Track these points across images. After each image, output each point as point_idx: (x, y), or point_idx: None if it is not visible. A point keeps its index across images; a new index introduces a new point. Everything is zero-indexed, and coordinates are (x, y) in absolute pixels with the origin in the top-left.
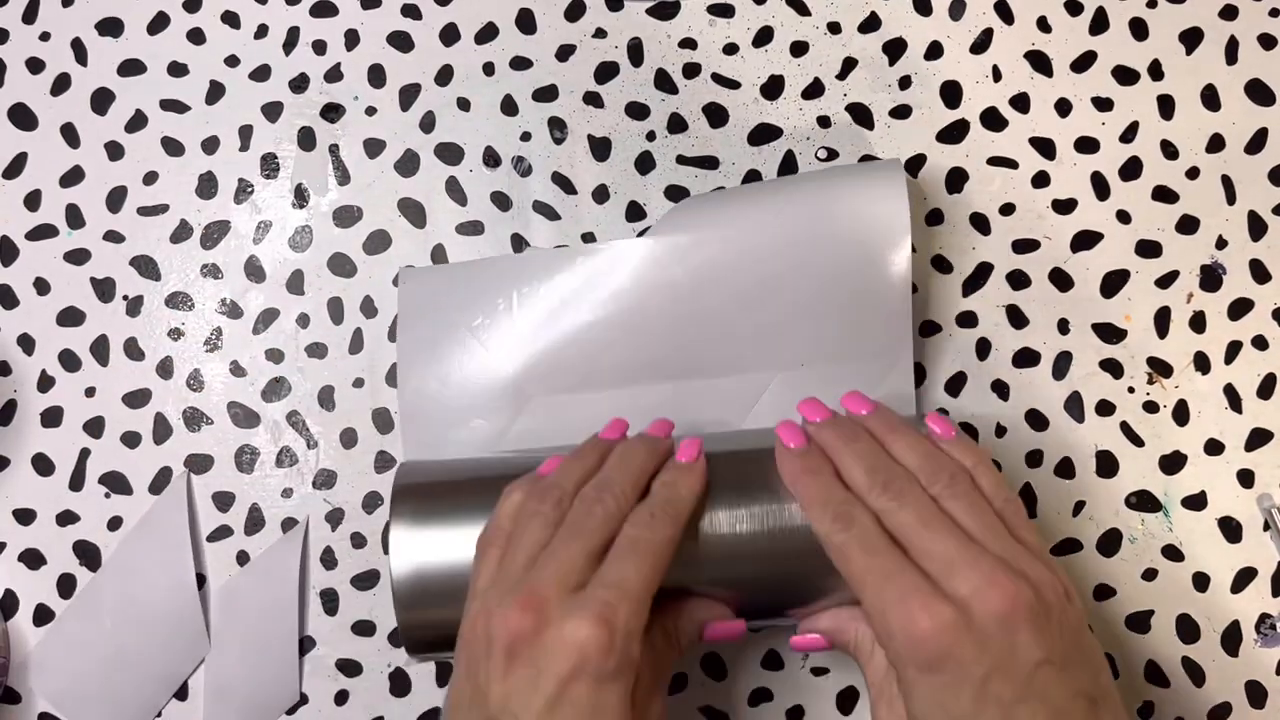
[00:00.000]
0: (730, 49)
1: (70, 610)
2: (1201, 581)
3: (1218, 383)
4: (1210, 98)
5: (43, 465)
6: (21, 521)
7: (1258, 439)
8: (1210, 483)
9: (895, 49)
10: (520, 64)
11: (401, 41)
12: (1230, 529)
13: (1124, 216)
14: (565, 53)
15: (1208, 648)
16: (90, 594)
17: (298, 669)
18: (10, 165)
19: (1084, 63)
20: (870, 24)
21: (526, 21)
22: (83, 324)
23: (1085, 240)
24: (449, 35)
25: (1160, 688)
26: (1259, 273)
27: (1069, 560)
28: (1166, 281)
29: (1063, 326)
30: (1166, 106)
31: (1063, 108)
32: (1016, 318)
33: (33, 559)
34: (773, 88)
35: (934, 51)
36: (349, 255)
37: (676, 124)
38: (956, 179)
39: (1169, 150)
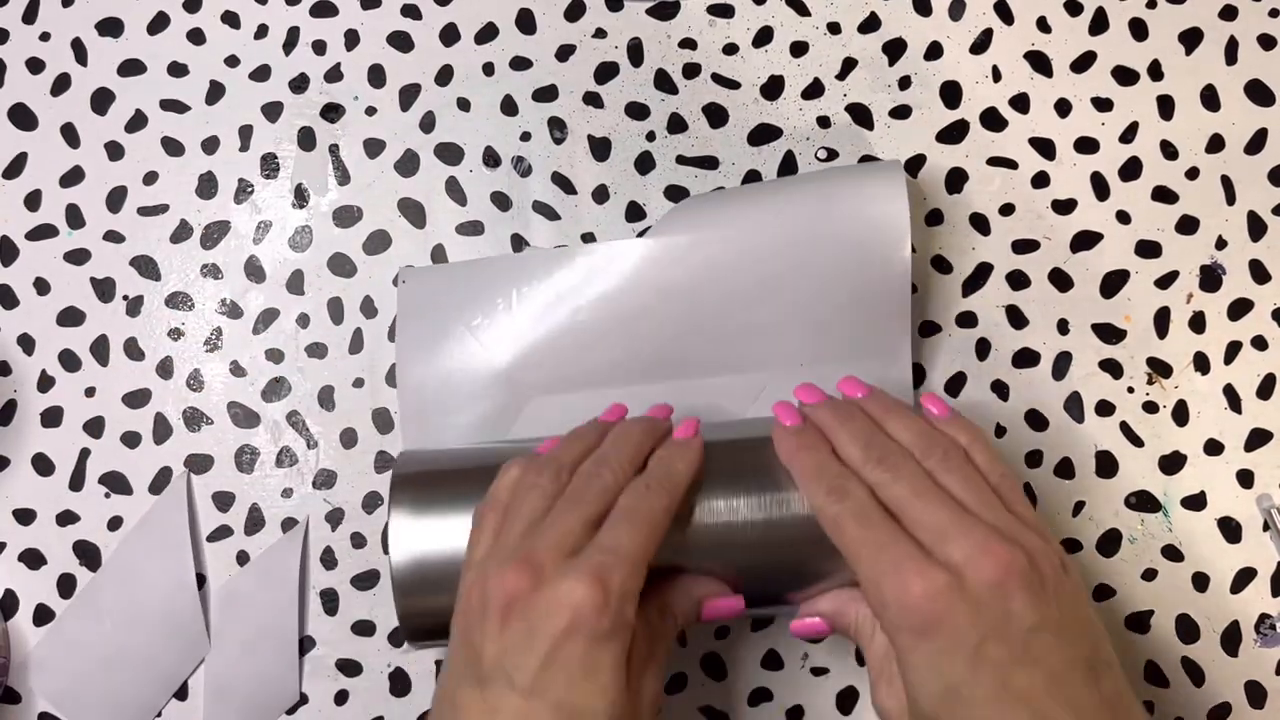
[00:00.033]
0: (730, 49)
1: (70, 610)
2: (1201, 582)
3: (1217, 383)
4: (1210, 98)
5: (43, 465)
6: (21, 521)
7: (1257, 439)
8: (1210, 483)
9: (895, 49)
10: (520, 64)
11: (401, 41)
12: (1230, 529)
13: (1124, 217)
14: (565, 53)
15: (1207, 648)
16: (90, 594)
17: (298, 669)
18: (10, 165)
19: (1084, 63)
20: (870, 24)
21: (526, 22)
22: (83, 324)
23: (1085, 240)
24: (449, 35)
25: (1160, 688)
26: (1259, 273)
27: None
28: (1166, 282)
29: (1062, 327)
30: (1166, 107)
31: (1062, 108)
32: (1016, 318)
33: (33, 559)
34: (773, 88)
35: (934, 52)
36: (349, 255)
37: (676, 124)
38: (956, 179)
39: (1169, 150)
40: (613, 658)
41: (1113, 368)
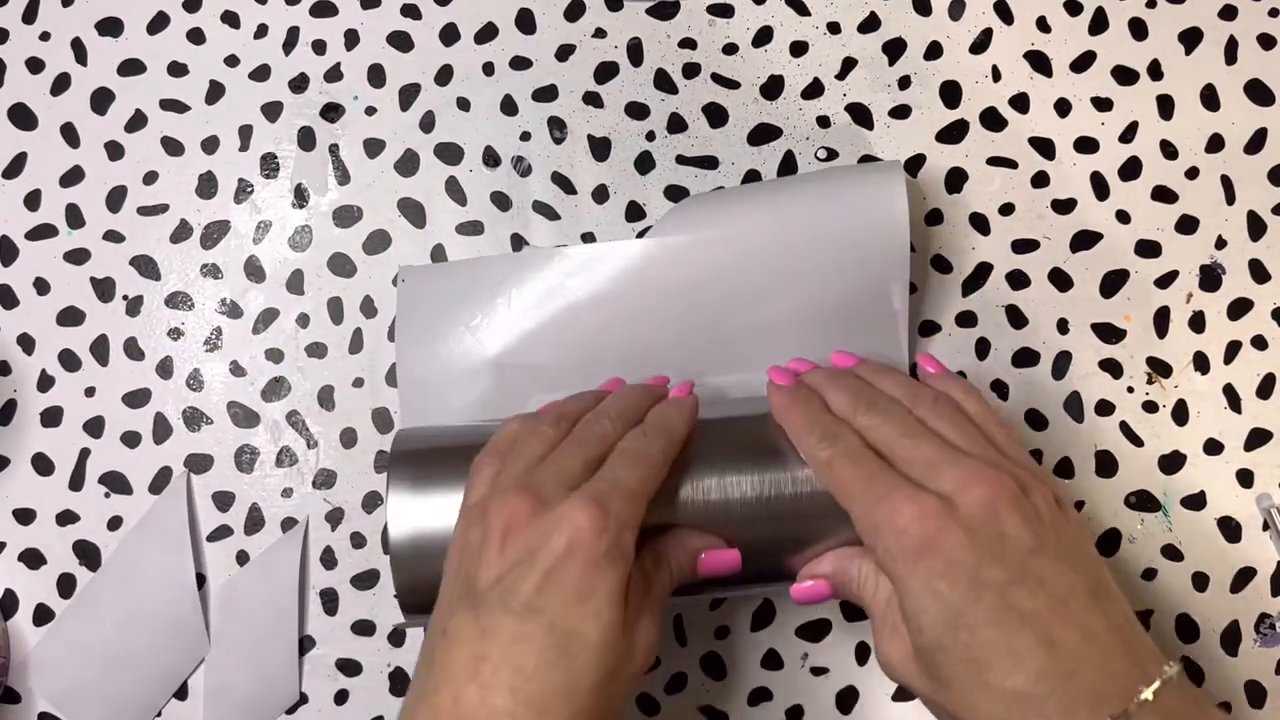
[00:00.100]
0: (730, 49)
1: (70, 610)
2: (1201, 581)
3: (1217, 383)
4: (1210, 98)
5: (43, 465)
6: (21, 521)
7: (1257, 439)
8: (1209, 483)
9: (895, 49)
10: (520, 64)
11: (401, 41)
12: (1229, 529)
13: (1123, 216)
14: (565, 53)
15: (1207, 647)
16: (90, 594)
17: (297, 669)
18: (10, 165)
19: (1083, 63)
20: (870, 24)
21: (526, 21)
22: (83, 324)
23: (1085, 240)
24: (449, 35)
25: None
26: (1258, 273)
27: None
28: (1166, 281)
29: (1062, 326)
30: (1166, 106)
31: (1062, 108)
32: (1016, 318)
33: (33, 559)
34: (772, 88)
35: (933, 51)
36: (349, 255)
37: (676, 124)
38: (956, 179)
39: (1168, 150)
40: (609, 584)
41: (1112, 367)
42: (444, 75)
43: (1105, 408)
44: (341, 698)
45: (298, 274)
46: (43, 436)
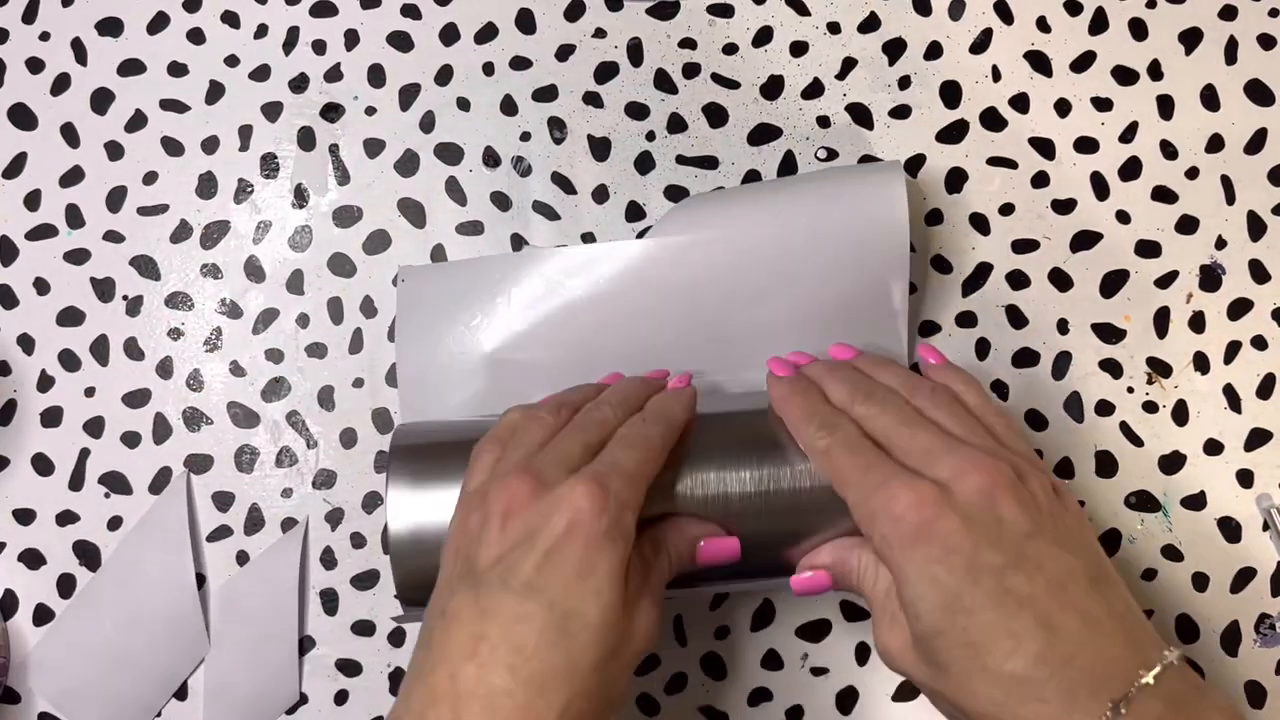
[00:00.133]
0: (730, 49)
1: (70, 610)
2: (1201, 581)
3: (1217, 383)
4: (1210, 98)
5: (42, 465)
6: (21, 521)
7: (1257, 439)
8: (1209, 483)
9: (895, 49)
10: (520, 64)
11: (401, 41)
12: (1229, 529)
13: (1123, 217)
14: (565, 53)
15: (1207, 648)
16: (90, 594)
17: (297, 669)
18: (10, 165)
19: (1083, 63)
20: (870, 24)
21: (526, 21)
22: (82, 324)
23: (1085, 240)
24: (449, 35)
25: None
26: (1258, 273)
27: None
28: (1166, 282)
29: (1062, 327)
30: (1166, 107)
31: (1062, 108)
32: (1016, 318)
33: (32, 559)
34: (772, 88)
35: (933, 51)
36: (349, 255)
37: (676, 124)
38: (956, 179)
39: (1168, 150)
40: (609, 563)
41: (1112, 367)
42: (444, 75)
43: (1105, 408)
44: (341, 698)
45: (298, 274)
46: (43, 437)
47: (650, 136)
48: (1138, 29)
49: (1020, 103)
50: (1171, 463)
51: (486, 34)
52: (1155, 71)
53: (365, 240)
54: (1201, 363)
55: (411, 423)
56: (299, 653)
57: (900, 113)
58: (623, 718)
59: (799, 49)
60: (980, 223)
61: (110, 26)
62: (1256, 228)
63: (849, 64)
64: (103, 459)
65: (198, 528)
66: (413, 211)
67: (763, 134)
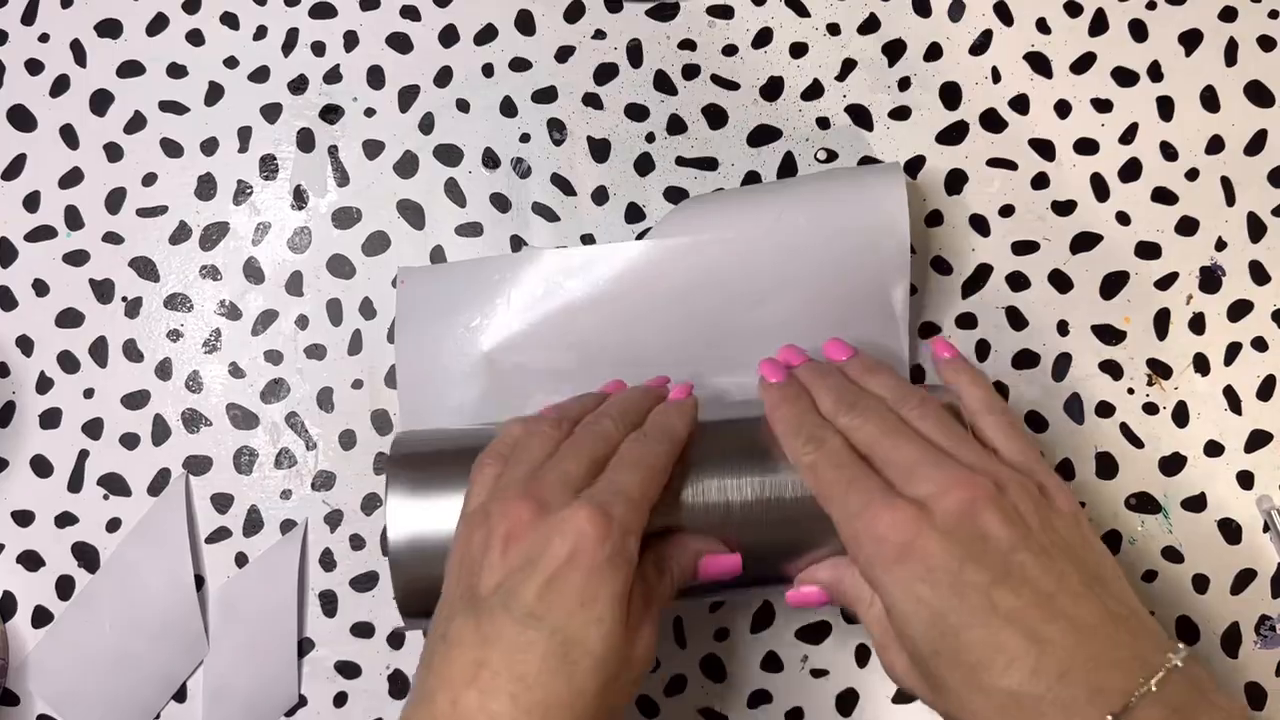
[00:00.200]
0: (729, 50)
1: (69, 612)
2: (1201, 583)
3: (1217, 384)
4: (1209, 99)
5: (41, 467)
6: (20, 523)
7: (1257, 440)
8: (1210, 484)
9: (894, 50)
10: (519, 65)
11: (400, 43)
12: (1230, 530)
13: (1123, 218)
14: (564, 54)
15: (1207, 649)
16: (89, 596)
17: (297, 671)
18: (9, 166)
19: (1083, 64)
20: (870, 25)
21: (526, 23)
22: (82, 325)
23: (1085, 242)
24: (448, 36)
25: None
26: (1258, 274)
27: None
28: (1166, 283)
29: (1062, 328)
30: (1166, 108)
31: (1062, 109)
32: (1016, 319)
33: (31, 561)
34: (772, 89)
35: (933, 53)
36: (348, 257)
37: (676, 125)
38: (956, 180)
39: (1168, 152)
40: (611, 591)
41: (1113, 369)
42: (443, 77)
43: (1105, 409)
44: (341, 700)
45: (297, 275)
46: (41, 438)
47: (650, 138)
48: (1138, 30)
49: (1020, 104)
50: (1172, 464)
51: (486, 35)
52: (1155, 73)
53: (364, 242)
54: (1202, 364)
55: (411, 430)
56: (298, 654)
57: (900, 114)
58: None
59: (799, 50)
60: (980, 224)
61: (109, 28)
62: (1256, 229)
63: (849, 65)
64: (102, 460)
65: (197, 529)
66: (412, 213)
67: (762, 135)
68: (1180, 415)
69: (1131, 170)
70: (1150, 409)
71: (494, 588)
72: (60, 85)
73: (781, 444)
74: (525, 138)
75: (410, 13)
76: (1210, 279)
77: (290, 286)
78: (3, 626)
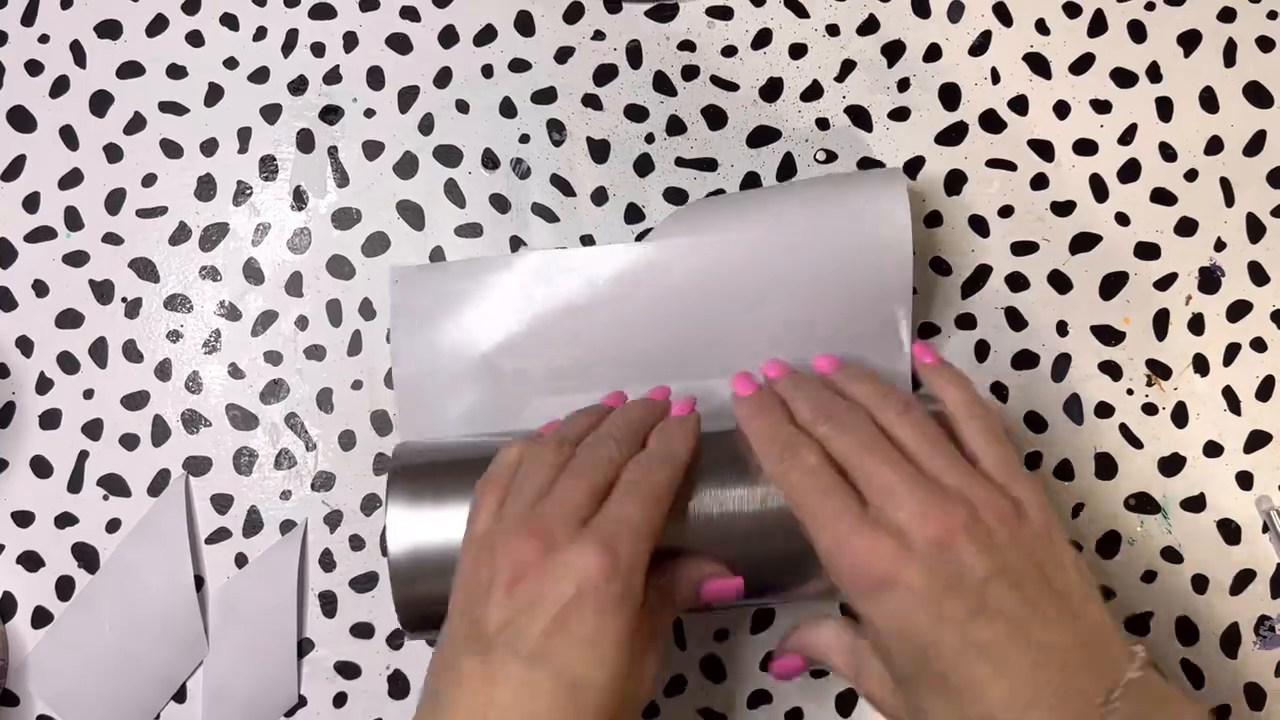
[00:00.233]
0: (729, 51)
1: (69, 613)
2: (1200, 583)
3: (1216, 385)
4: (1208, 100)
5: (41, 467)
6: (20, 524)
7: (1256, 441)
8: (1209, 485)
9: (894, 51)
10: (519, 66)
11: (400, 44)
12: (1229, 531)
13: (1123, 219)
14: (564, 55)
15: (1207, 650)
16: (89, 596)
17: (296, 671)
18: (9, 167)
19: (1082, 65)
20: (869, 26)
21: (525, 24)
22: (81, 326)
23: (1084, 242)
24: (448, 37)
25: None
26: (1257, 275)
27: None
28: (1165, 284)
29: (1061, 329)
30: (1165, 109)
31: (1061, 110)
32: (1015, 320)
33: (31, 561)
34: (771, 90)
35: (933, 54)
36: (347, 257)
37: (675, 126)
38: (955, 181)
39: (1167, 152)
40: (617, 630)
41: (1112, 369)
42: (443, 77)
43: (1105, 410)
44: (340, 700)
45: (296, 276)
46: (41, 439)
47: (649, 138)
48: (1137, 31)
49: (1019, 105)
50: (1171, 465)
51: (485, 36)
52: (1154, 74)
53: (364, 242)
54: (1201, 365)
55: (411, 442)
56: (298, 655)
57: (899, 115)
58: None
59: (798, 51)
60: (979, 225)
61: (109, 29)
62: (1255, 230)
63: (848, 66)
64: (101, 461)
65: (196, 530)
66: (412, 214)
67: (762, 136)
68: (1179, 416)
69: (1131, 171)
70: (1149, 409)
71: (500, 626)
72: (60, 86)
73: (757, 456)
74: (525, 138)
75: (410, 14)
76: (1209, 279)
77: (290, 287)
78: (2, 627)
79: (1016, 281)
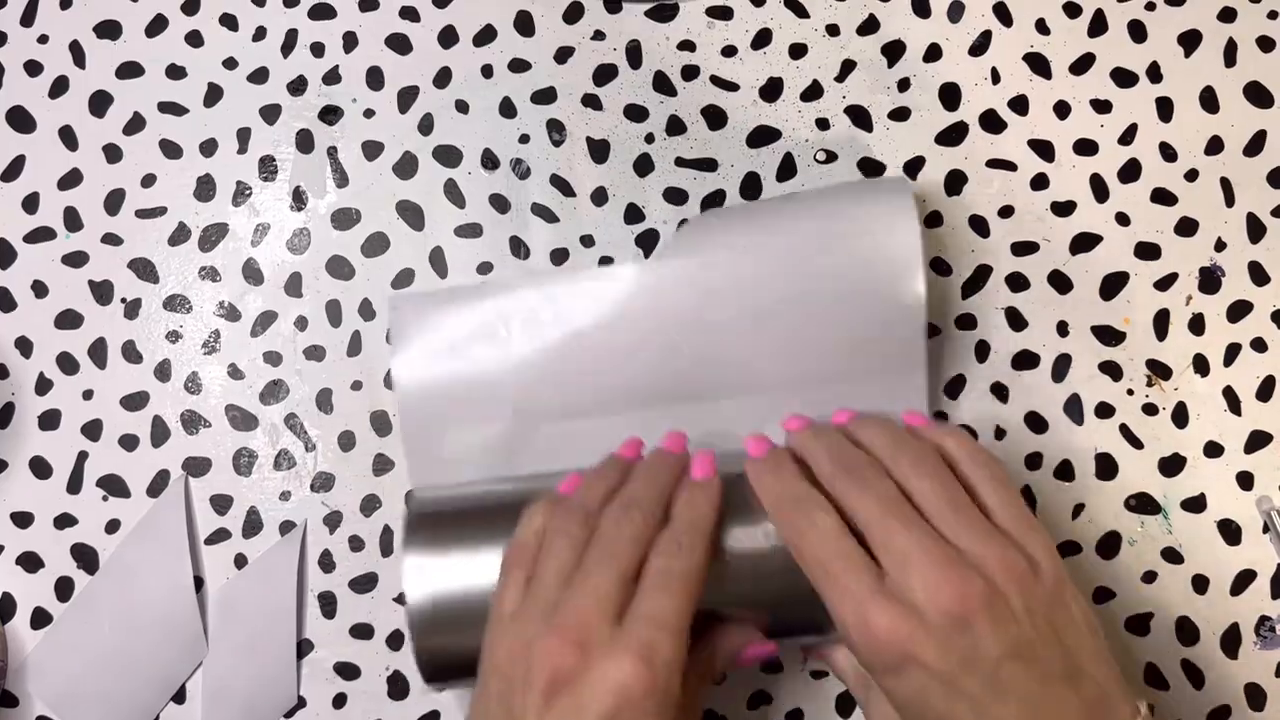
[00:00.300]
0: (729, 51)
1: (68, 614)
2: (1201, 584)
3: (1217, 385)
4: (1209, 100)
5: (40, 468)
6: (19, 524)
7: (1257, 441)
8: (1209, 485)
9: (894, 51)
10: (519, 66)
11: (400, 44)
12: (1229, 531)
13: (1123, 219)
14: (564, 55)
15: (1207, 650)
16: (88, 597)
17: (296, 672)
18: (8, 168)
19: (1083, 65)
20: (869, 26)
21: (525, 24)
22: (81, 327)
23: (1084, 242)
24: (447, 37)
25: (1160, 690)
26: (1258, 275)
27: (1069, 563)
28: (1165, 284)
29: (1062, 329)
30: (1165, 109)
31: (1061, 110)
32: (1016, 320)
33: (30, 562)
34: (771, 90)
35: (933, 54)
36: (347, 258)
37: (675, 126)
38: (955, 181)
39: (1168, 152)
40: None
41: (1112, 370)
42: (443, 78)
43: (1105, 410)
44: (340, 701)
45: (296, 277)
46: (40, 439)
47: (649, 139)
48: (1137, 31)
49: (1019, 105)
50: (1171, 465)
51: (485, 36)
52: (1154, 74)
53: (364, 243)
54: (1201, 365)
55: (426, 489)
56: (297, 656)
57: (899, 115)
58: None
59: (798, 51)
60: (979, 225)
61: (109, 29)
62: (1256, 230)
63: (848, 66)
64: (101, 462)
65: (196, 531)
66: (411, 214)
67: (762, 136)
68: (1180, 416)
69: (1131, 171)
70: (1150, 410)
71: None
72: (59, 86)
73: (770, 517)
74: (524, 138)
75: (409, 14)
76: (1210, 280)
77: (289, 288)
78: (2, 628)
79: (1017, 281)
